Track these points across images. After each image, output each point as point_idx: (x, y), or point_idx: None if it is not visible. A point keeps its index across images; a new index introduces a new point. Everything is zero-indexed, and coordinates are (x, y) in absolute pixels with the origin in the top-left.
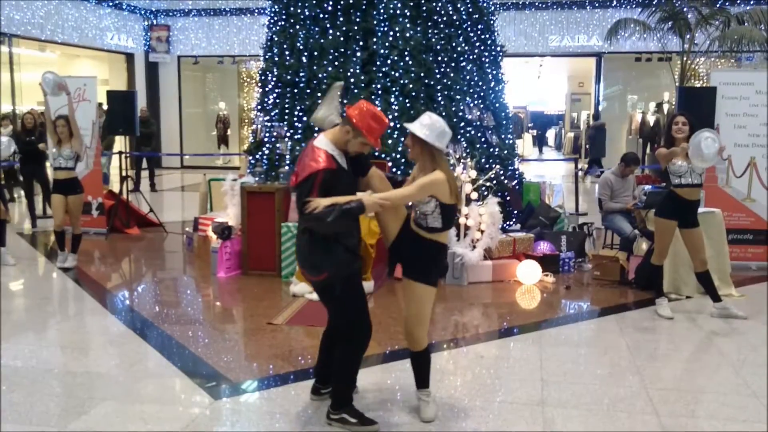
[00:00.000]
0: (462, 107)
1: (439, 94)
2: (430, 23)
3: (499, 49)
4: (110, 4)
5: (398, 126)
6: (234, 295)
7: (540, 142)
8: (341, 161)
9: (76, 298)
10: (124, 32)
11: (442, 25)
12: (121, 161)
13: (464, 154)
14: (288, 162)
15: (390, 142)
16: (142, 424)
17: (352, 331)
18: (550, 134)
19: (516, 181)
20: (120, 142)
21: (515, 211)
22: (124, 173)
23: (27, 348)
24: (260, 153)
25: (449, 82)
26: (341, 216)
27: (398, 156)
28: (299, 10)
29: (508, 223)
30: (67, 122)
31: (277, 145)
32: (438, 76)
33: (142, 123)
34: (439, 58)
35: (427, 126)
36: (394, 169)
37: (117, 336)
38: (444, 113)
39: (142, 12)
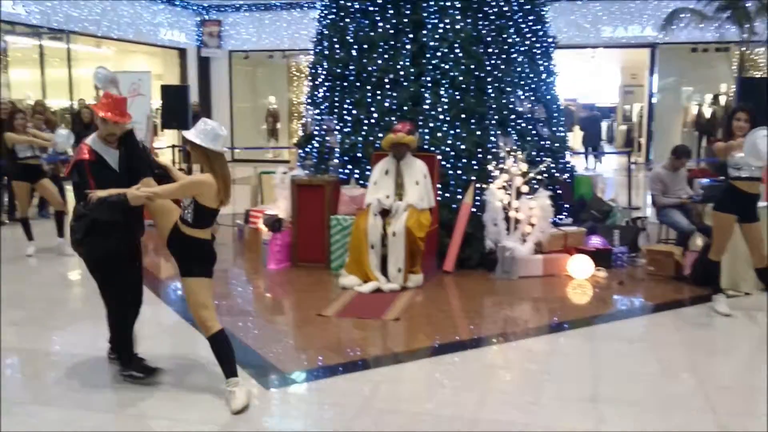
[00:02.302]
0: (513, 99)
1: (489, 87)
2: (480, 15)
3: (550, 40)
4: (164, 0)
5: (448, 119)
6: (284, 287)
7: (592, 143)
8: (105, 154)
9: None
10: (177, 28)
11: (492, 17)
12: (174, 155)
13: (515, 147)
14: (337, 155)
15: (440, 135)
16: (194, 412)
17: (109, 305)
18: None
19: (567, 175)
20: (173, 136)
21: (566, 205)
22: (178, 167)
23: (84, 336)
24: (310, 146)
25: (500, 74)
26: (109, 207)
27: (448, 149)
28: (349, 3)
29: (559, 216)
30: None
31: (327, 138)
32: (488, 68)
33: (194, 117)
34: (490, 50)
35: (201, 131)
36: (443, 163)
37: (170, 325)
38: (494, 105)
39: (195, 8)
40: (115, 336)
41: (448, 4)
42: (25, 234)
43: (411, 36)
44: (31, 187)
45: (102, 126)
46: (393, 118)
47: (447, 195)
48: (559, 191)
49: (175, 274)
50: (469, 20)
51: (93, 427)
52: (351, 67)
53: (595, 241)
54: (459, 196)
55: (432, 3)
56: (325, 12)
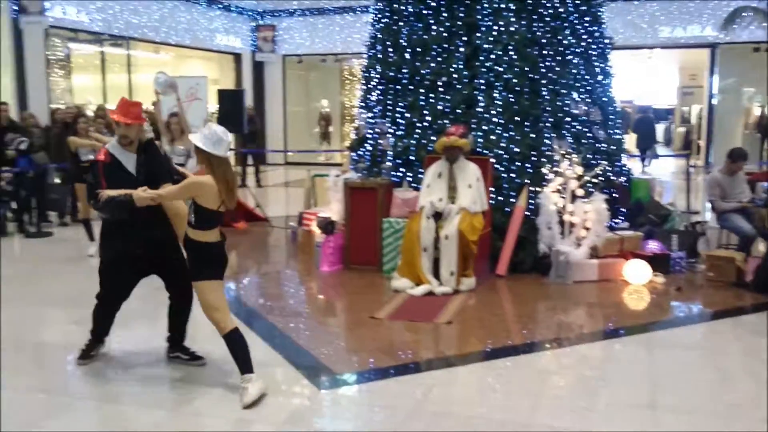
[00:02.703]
0: (568, 101)
1: (544, 89)
2: (535, 16)
3: (607, 41)
4: (220, 6)
5: (502, 122)
6: (337, 289)
7: (646, 145)
8: (121, 157)
9: None
10: (232, 33)
11: (547, 18)
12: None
13: (570, 150)
14: (390, 158)
15: (493, 138)
16: (249, 411)
17: (99, 297)
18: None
19: (624, 178)
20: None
21: (623, 209)
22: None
23: (141, 335)
24: (363, 149)
25: (555, 76)
26: (116, 206)
27: (501, 152)
28: (403, 7)
29: (615, 220)
30: (179, 120)
31: (380, 141)
32: (543, 70)
33: (249, 121)
34: (545, 52)
35: (205, 136)
36: (496, 166)
37: None
38: (549, 108)
39: (250, 13)
40: (93, 322)
41: (503, 6)
42: (87, 234)
43: (465, 39)
44: None
45: (116, 128)
46: (446, 121)
47: (500, 198)
48: (615, 195)
49: (230, 274)
50: (523, 22)
51: (151, 423)
52: (404, 71)
53: (653, 246)
54: (512, 200)
55: (486, 5)
56: (379, 16)
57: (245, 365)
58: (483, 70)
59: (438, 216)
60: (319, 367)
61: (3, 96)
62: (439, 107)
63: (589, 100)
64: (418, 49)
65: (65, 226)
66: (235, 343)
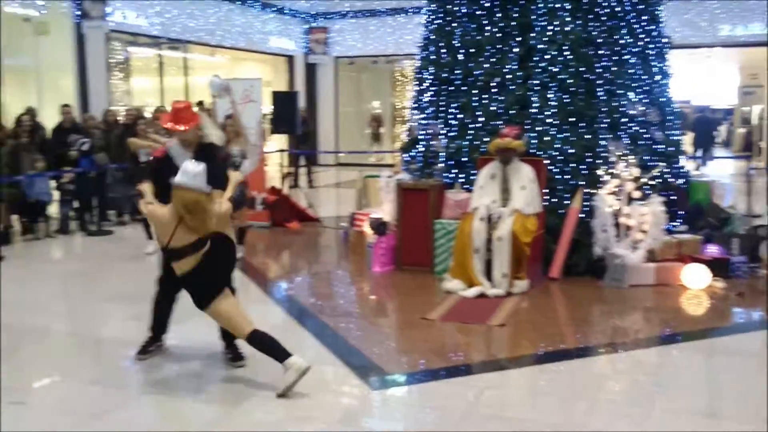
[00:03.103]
0: (624, 102)
1: (599, 89)
2: (591, 16)
3: (665, 40)
4: (273, 9)
5: (556, 122)
6: (388, 290)
7: (703, 145)
8: (177, 157)
9: (241, 287)
10: (285, 35)
11: (604, 18)
12: (282, 159)
13: (626, 151)
14: (442, 159)
15: (547, 139)
16: (301, 409)
17: (160, 280)
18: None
19: (682, 180)
20: (281, 140)
21: (681, 212)
22: (285, 171)
23: (196, 331)
24: (415, 150)
25: (611, 77)
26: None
27: (556, 153)
28: (456, 8)
29: (672, 223)
30: (233, 122)
31: (432, 142)
32: (599, 70)
33: (303, 122)
34: (601, 52)
35: (182, 173)
36: (550, 167)
37: (278, 323)
38: (605, 108)
39: (303, 15)
40: (152, 313)
41: (558, 5)
42: (146, 233)
43: (518, 39)
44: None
45: (173, 134)
46: (499, 123)
47: (554, 200)
48: (673, 197)
49: (283, 273)
50: (579, 22)
51: (206, 420)
52: (457, 71)
53: (712, 250)
54: (566, 202)
55: (541, 5)
56: (432, 17)
57: (281, 354)
58: (537, 70)
59: (490, 218)
60: (371, 367)
61: (66, 98)
62: (492, 108)
63: (647, 101)
64: (471, 50)
65: (124, 225)
66: (260, 341)
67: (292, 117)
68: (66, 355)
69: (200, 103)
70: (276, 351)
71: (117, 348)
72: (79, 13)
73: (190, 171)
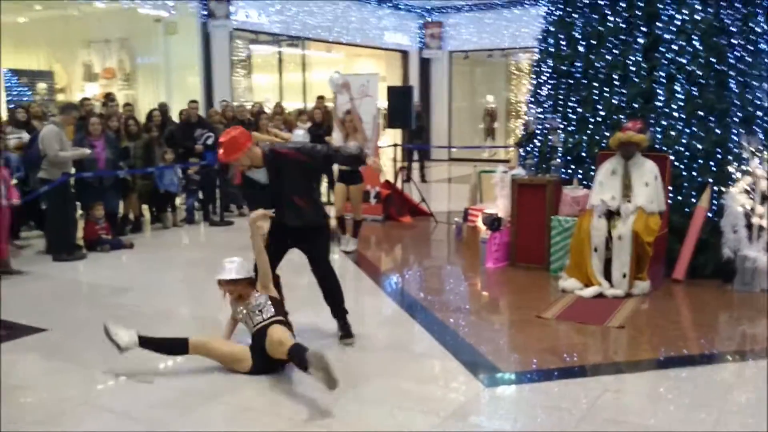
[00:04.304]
0: (759, 94)
1: (731, 81)
2: (723, 3)
3: None
4: (389, 4)
5: (683, 116)
6: (502, 287)
7: None
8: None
9: (355, 279)
10: (400, 31)
11: (738, 5)
12: (395, 153)
13: (761, 147)
14: (560, 154)
15: (673, 134)
16: (411, 400)
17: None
18: None
19: None
20: (395, 135)
21: None
22: (399, 165)
23: (308, 321)
24: (531, 145)
25: (744, 67)
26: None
27: (682, 149)
28: None
29: None
30: (352, 118)
31: (549, 137)
32: (731, 60)
33: (417, 117)
34: (733, 41)
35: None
36: (676, 163)
37: (390, 316)
38: (737, 101)
39: (418, 10)
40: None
41: None
42: None
43: (644, 29)
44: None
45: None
46: (621, 116)
47: (679, 198)
48: None
49: (395, 266)
50: (710, 9)
51: (316, 408)
52: (577, 64)
53: None
54: (693, 200)
55: None
56: (552, 8)
57: (302, 361)
58: (663, 61)
59: (610, 215)
60: (483, 363)
61: (192, 95)
62: (614, 101)
63: None
64: (593, 42)
65: (243, 217)
66: (296, 353)
67: (407, 112)
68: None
69: (320, 98)
70: (302, 358)
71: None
72: (205, 12)
73: (227, 267)
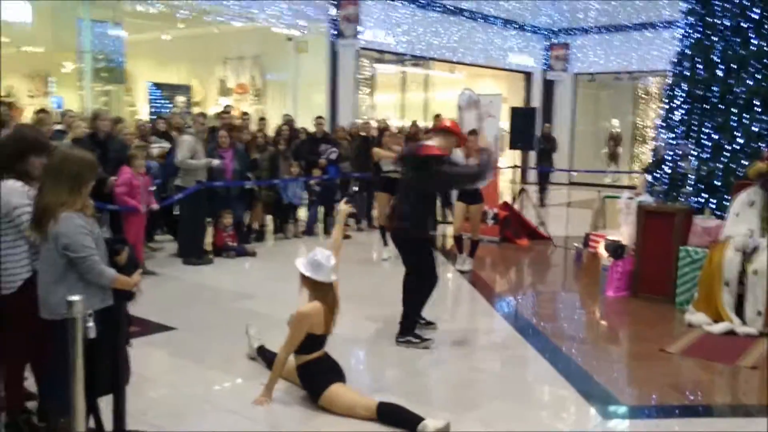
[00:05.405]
0: None
1: None
2: None
3: None
4: (515, 26)
5: None
6: (622, 317)
7: None
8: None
9: (470, 299)
10: (525, 52)
11: None
12: (515, 175)
13: None
14: (691, 182)
15: None
16: (529, 425)
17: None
18: None
19: None
20: (515, 157)
21: None
22: (518, 187)
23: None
24: (660, 171)
25: None
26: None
27: None
28: (718, 21)
29: None
30: (476, 138)
31: (680, 163)
32: None
33: (546, 139)
34: None
35: (309, 261)
36: None
37: (504, 338)
38: None
39: (544, 32)
40: (413, 303)
41: None
42: (382, 240)
43: None
44: (390, 197)
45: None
46: (762, 145)
47: None
48: None
49: (510, 289)
50: None
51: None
52: (714, 89)
53: None
54: None
55: None
56: (689, 31)
57: (412, 422)
58: None
59: (745, 250)
60: (602, 395)
61: (318, 111)
62: (755, 129)
63: None
64: (733, 66)
65: (360, 231)
66: (387, 414)
67: (529, 133)
68: None
69: (437, 116)
70: (408, 416)
71: (347, 345)
72: (335, 32)
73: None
